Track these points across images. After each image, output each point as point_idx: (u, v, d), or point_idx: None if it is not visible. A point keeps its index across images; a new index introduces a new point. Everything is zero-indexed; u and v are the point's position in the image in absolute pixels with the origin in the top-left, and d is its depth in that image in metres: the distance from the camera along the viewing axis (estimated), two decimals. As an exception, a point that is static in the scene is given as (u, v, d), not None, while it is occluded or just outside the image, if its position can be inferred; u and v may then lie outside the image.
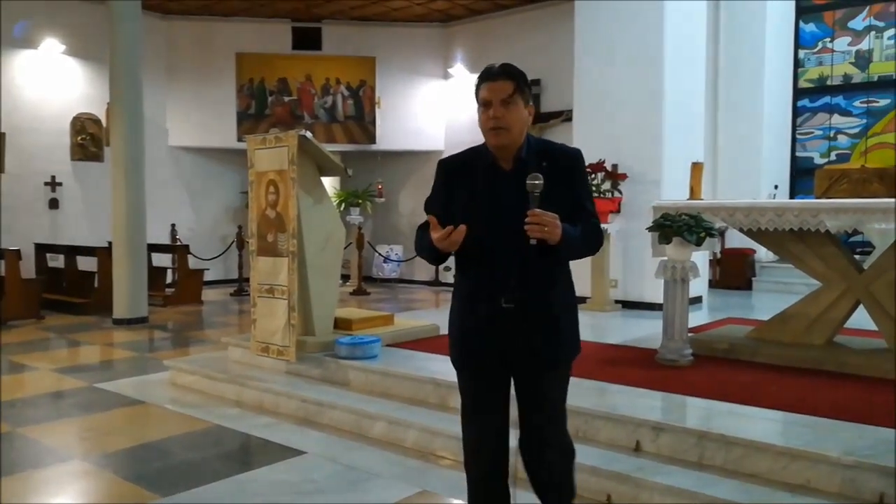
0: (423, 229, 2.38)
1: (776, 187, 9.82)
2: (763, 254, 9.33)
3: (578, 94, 8.03)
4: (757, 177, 9.84)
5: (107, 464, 3.90)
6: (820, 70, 10.17)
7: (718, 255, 9.53)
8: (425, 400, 4.43)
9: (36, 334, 7.91)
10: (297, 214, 5.08)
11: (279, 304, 5.14)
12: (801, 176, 10.15)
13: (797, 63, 10.31)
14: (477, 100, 2.37)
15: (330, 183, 11.64)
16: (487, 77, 2.33)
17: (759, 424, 3.50)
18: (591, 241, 2.36)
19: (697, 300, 7.57)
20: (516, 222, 2.15)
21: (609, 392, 4.05)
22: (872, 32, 9.73)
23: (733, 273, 9.52)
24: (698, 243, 4.49)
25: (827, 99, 10.10)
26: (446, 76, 12.28)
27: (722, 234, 8.87)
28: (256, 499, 3.42)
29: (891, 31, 9.58)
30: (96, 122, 10.85)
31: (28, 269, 9.54)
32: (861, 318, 4.86)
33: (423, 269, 12.46)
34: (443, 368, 4.67)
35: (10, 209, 9.86)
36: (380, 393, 4.67)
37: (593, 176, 7.16)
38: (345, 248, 6.10)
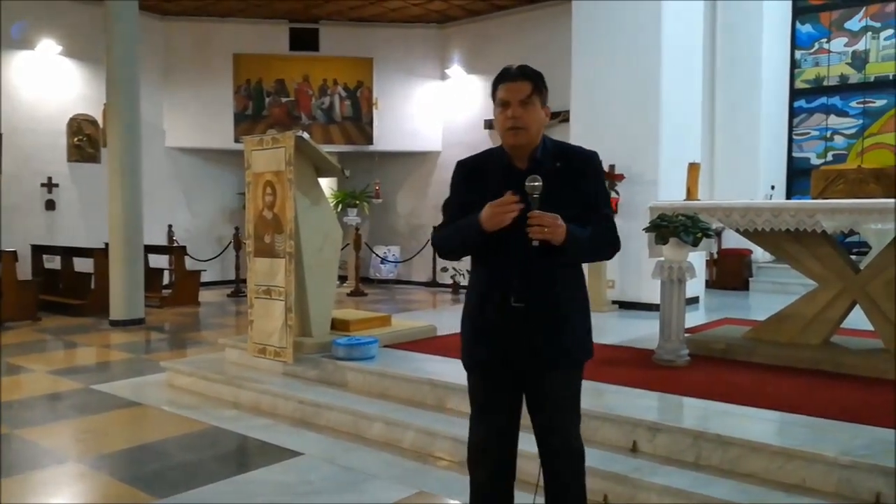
0: (444, 226, 2.45)
1: (773, 188, 9.85)
2: (760, 254, 9.34)
3: (575, 95, 8.04)
4: (754, 177, 9.85)
5: (103, 465, 3.89)
6: (816, 71, 10.19)
7: (715, 256, 9.54)
8: (423, 401, 4.43)
9: (32, 336, 7.89)
10: (295, 215, 5.07)
11: (276, 306, 5.14)
12: (798, 176, 10.17)
13: (794, 64, 10.33)
14: (494, 100, 2.37)
15: (327, 184, 11.64)
16: (505, 78, 2.33)
17: (756, 424, 3.50)
18: (602, 243, 2.35)
19: (694, 300, 7.58)
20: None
21: (606, 392, 4.05)
22: (869, 33, 9.75)
23: (730, 273, 9.54)
24: (695, 244, 4.50)
25: (823, 99, 10.12)
26: (443, 77, 12.28)
27: (718, 234, 8.88)
28: (254, 500, 3.41)
29: (887, 32, 9.60)
30: (93, 123, 10.83)
31: (24, 270, 9.51)
32: (857, 319, 4.87)
33: (421, 270, 12.47)
34: (440, 369, 4.68)
35: (6, 210, 9.84)
36: (377, 394, 4.66)
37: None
38: (342, 248, 6.11)
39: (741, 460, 3.22)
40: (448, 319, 6.78)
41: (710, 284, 9.23)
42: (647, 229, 4.69)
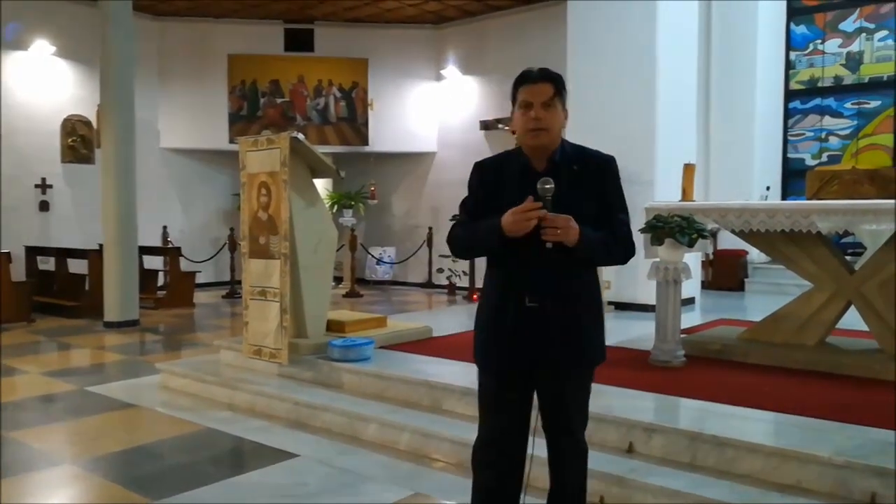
0: (461, 225, 2.47)
1: (768, 189, 9.86)
2: (755, 255, 9.36)
3: (571, 96, 8.00)
4: (749, 178, 9.88)
5: (97, 467, 3.88)
6: (811, 72, 10.22)
7: (711, 257, 9.56)
8: (419, 402, 4.42)
9: (26, 337, 7.86)
10: (290, 216, 5.07)
11: (271, 307, 5.13)
12: (793, 177, 10.20)
13: (788, 65, 10.36)
14: (513, 102, 2.39)
15: (322, 185, 11.64)
16: (527, 80, 2.35)
17: (752, 425, 3.51)
18: (616, 246, 2.36)
19: (690, 301, 7.59)
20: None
21: (602, 393, 4.04)
22: (863, 34, 9.78)
23: (726, 274, 9.55)
24: (690, 245, 4.50)
25: (818, 101, 10.15)
26: (439, 78, 12.28)
27: (714, 235, 8.89)
28: (249, 502, 3.40)
29: (881, 33, 9.64)
30: (87, 123, 10.79)
31: (18, 271, 9.49)
32: (852, 319, 4.88)
33: (416, 272, 12.46)
34: (436, 370, 4.68)
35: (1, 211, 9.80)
36: (373, 395, 4.65)
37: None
38: (337, 250, 6.09)
39: (737, 461, 3.23)
40: (444, 321, 6.79)
41: (705, 285, 9.25)
42: (642, 230, 4.68)
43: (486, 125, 11.44)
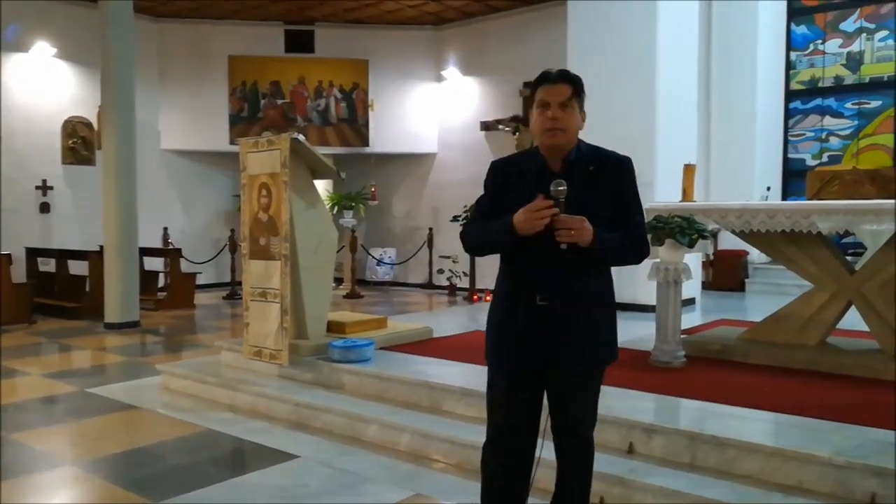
0: (474, 223, 2.49)
1: (768, 189, 9.86)
2: (756, 255, 9.36)
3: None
4: (749, 178, 9.87)
5: (98, 469, 3.88)
6: (812, 72, 10.22)
7: (711, 257, 9.56)
8: (419, 403, 4.42)
9: (27, 339, 7.86)
10: (290, 217, 5.07)
11: (272, 308, 5.13)
12: (793, 177, 10.19)
13: (789, 65, 10.35)
14: (532, 103, 2.40)
15: (323, 186, 11.64)
16: (546, 80, 2.36)
17: (752, 425, 3.51)
18: (630, 247, 2.37)
19: (690, 302, 7.59)
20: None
21: (602, 394, 4.00)
22: (864, 34, 9.78)
23: (726, 275, 9.55)
24: (691, 245, 4.50)
25: (818, 101, 10.14)
26: (439, 79, 12.29)
27: (714, 235, 8.88)
28: (249, 503, 3.40)
29: (882, 33, 9.63)
30: (88, 125, 10.81)
31: (19, 273, 9.49)
32: (853, 320, 4.88)
33: (417, 273, 12.46)
34: (437, 371, 4.68)
35: (1, 213, 9.80)
36: (373, 396, 4.66)
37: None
38: (338, 251, 6.10)
39: (737, 461, 3.23)
40: (444, 322, 6.80)
41: (706, 286, 9.25)
42: (643, 230, 4.68)
43: (487, 126, 11.43)
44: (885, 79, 9.58)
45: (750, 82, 9.95)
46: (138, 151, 8.80)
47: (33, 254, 10.09)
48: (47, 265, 10.13)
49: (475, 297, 10.39)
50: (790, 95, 10.34)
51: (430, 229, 11.90)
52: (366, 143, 12.16)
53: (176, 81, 11.81)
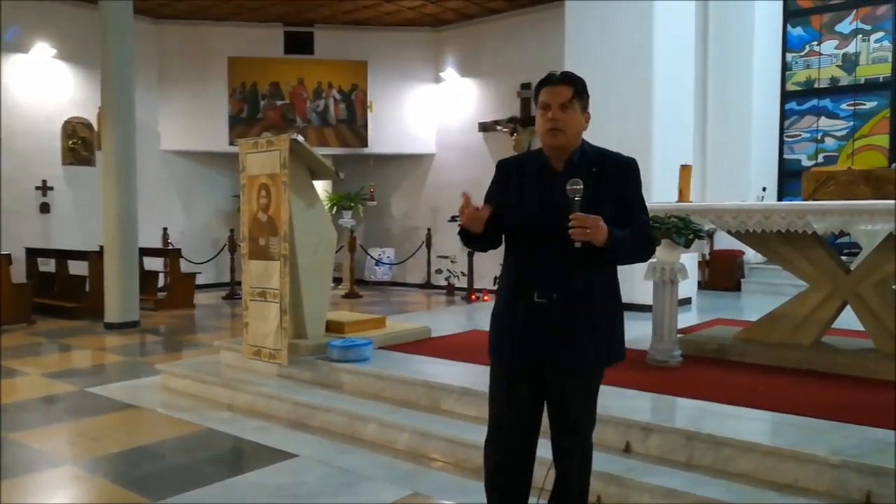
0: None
1: (764, 189, 9.84)
2: (751, 255, 9.39)
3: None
4: (745, 179, 9.89)
5: (98, 468, 3.90)
6: (807, 73, 10.25)
7: (707, 257, 9.59)
8: (417, 402, 4.44)
9: (27, 339, 7.88)
10: (289, 218, 5.09)
11: (271, 308, 5.15)
12: (789, 178, 10.22)
13: (785, 66, 10.39)
14: (535, 104, 2.44)
15: (322, 186, 11.67)
16: (548, 82, 2.40)
17: (748, 424, 3.53)
18: (639, 246, 2.40)
19: (686, 301, 7.62)
20: (560, 222, 2.21)
21: (599, 393, 4.07)
22: (859, 36, 9.81)
23: (722, 274, 9.58)
24: (687, 245, 4.52)
25: (814, 102, 10.17)
26: (437, 80, 12.31)
27: (711, 235, 8.92)
28: (248, 502, 3.42)
29: (877, 35, 9.67)
30: (87, 126, 10.82)
31: (19, 273, 9.50)
32: (848, 319, 4.91)
33: (415, 273, 12.48)
34: (435, 371, 4.70)
35: (1, 213, 9.81)
36: (372, 395, 4.68)
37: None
38: (336, 251, 6.12)
39: (733, 460, 3.25)
40: (443, 321, 6.82)
41: (702, 285, 9.28)
42: (639, 231, 4.70)
43: (485, 127, 11.46)
44: (881, 80, 9.62)
45: (746, 83, 9.98)
46: (138, 152, 8.81)
47: (33, 254, 10.10)
48: (47, 265, 10.14)
49: (473, 296, 10.41)
50: (786, 96, 10.37)
51: (429, 229, 11.92)
52: (364, 143, 12.18)
53: (176, 82, 11.82)
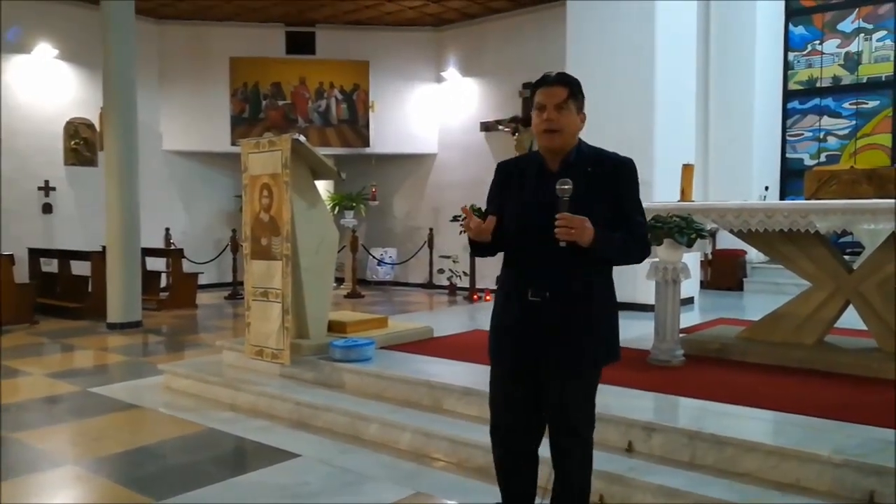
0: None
1: (766, 189, 9.87)
2: (754, 255, 9.38)
3: (570, 97, 8.05)
4: (747, 178, 9.89)
5: (100, 468, 3.90)
6: (809, 72, 10.24)
7: (710, 256, 9.58)
8: (419, 402, 4.44)
9: (29, 339, 7.89)
10: (291, 218, 5.09)
11: (273, 308, 5.16)
12: (792, 177, 10.21)
13: (787, 65, 10.38)
14: (532, 105, 2.45)
15: (324, 186, 11.66)
16: (543, 83, 2.42)
17: (750, 424, 3.53)
18: (631, 247, 2.40)
19: (689, 301, 7.61)
20: (553, 222, 2.23)
21: (601, 392, 4.01)
22: (861, 35, 9.80)
23: (724, 274, 9.57)
24: (689, 244, 4.52)
25: (816, 101, 10.16)
26: (439, 80, 12.31)
27: (713, 235, 8.91)
28: (251, 502, 3.42)
29: (880, 34, 9.66)
30: (90, 126, 10.83)
31: (22, 273, 9.51)
32: (851, 318, 4.90)
33: (417, 272, 12.49)
34: (437, 370, 4.70)
35: (3, 214, 9.82)
36: (374, 395, 4.68)
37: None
38: (338, 251, 6.12)
39: (736, 460, 3.24)
40: (445, 321, 6.82)
41: (704, 285, 9.27)
42: (641, 230, 4.70)
43: (487, 126, 11.46)
44: (883, 79, 9.61)
45: (748, 82, 9.97)
46: (140, 152, 8.83)
47: (36, 254, 10.11)
48: (50, 266, 10.15)
49: (475, 296, 10.41)
50: (788, 95, 10.36)
51: (431, 229, 11.93)
52: (366, 143, 12.18)
53: (177, 83, 11.84)
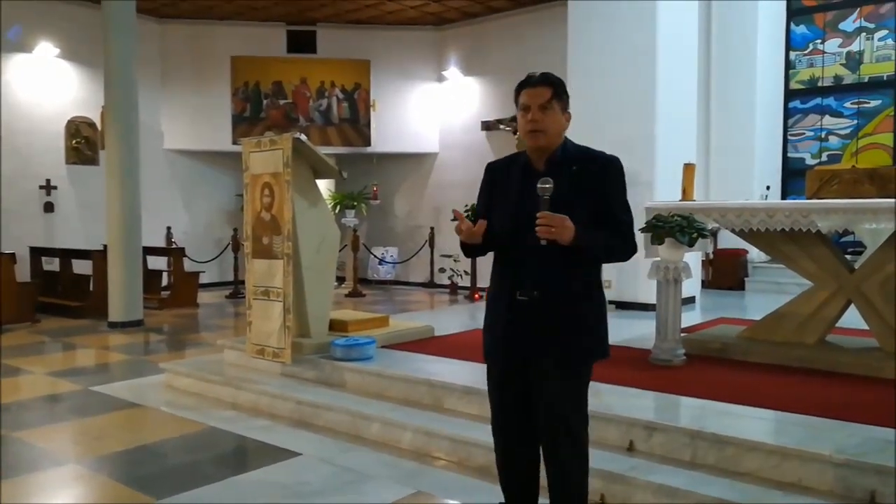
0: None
1: (768, 188, 9.87)
2: (755, 254, 9.38)
3: (571, 97, 8.05)
4: (749, 178, 9.89)
5: (102, 467, 3.91)
6: (811, 71, 10.23)
7: (711, 256, 9.57)
8: (420, 401, 4.45)
9: (31, 338, 7.90)
10: (292, 217, 5.10)
11: (274, 307, 5.16)
12: (793, 177, 10.21)
13: (788, 65, 10.37)
14: (516, 105, 2.46)
15: (325, 185, 11.66)
16: (527, 84, 2.43)
17: (752, 423, 3.52)
18: (615, 245, 2.40)
19: (690, 300, 7.61)
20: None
21: (602, 392, 4.07)
22: (863, 34, 9.79)
23: (726, 273, 9.57)
24: (691, 244, 4.52)
25: (818, 100, 10.16)
26: (440, 79, 12.31)
27: (714, 234, 8.91)
28: (252, 501, 3.42)
29: (881, 33, 9.65)
30: (91, 125, 10.84)
31: (23, 272, 9.52)
32: (852, 318, 4.90)
33: (419, 271, 12.49)
34: (438, 369, 4.70)
35: (4, 213, 9.83)
36: (375, 394, 4.68)
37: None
38: (340, 250, 6.12)
39: (737, 459, 3.24)
40: (446, 320, 6.82)
41: (705, 284, 9.27)
42: (642, 230, 4.70)
43: (488, 126, 11.45)
44: (885, 78, 9.60)
45: (749, 82, 9.97)
46: (141, 151, 8.83)
47: (37, 253, 10.11)
48: (51, 264, 10.16)
49: (476, 295, 10.41)
50: (789, 95, 10.36)
51: (432, 228, 11.93)
52: (367, 142, 12.18)
53: (179, 82, 11.84)
